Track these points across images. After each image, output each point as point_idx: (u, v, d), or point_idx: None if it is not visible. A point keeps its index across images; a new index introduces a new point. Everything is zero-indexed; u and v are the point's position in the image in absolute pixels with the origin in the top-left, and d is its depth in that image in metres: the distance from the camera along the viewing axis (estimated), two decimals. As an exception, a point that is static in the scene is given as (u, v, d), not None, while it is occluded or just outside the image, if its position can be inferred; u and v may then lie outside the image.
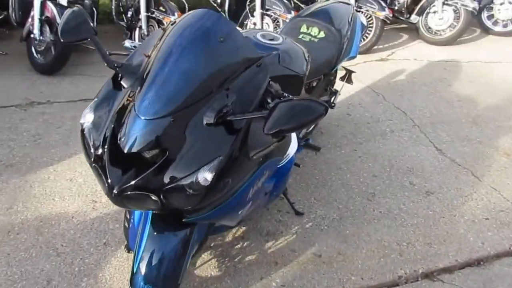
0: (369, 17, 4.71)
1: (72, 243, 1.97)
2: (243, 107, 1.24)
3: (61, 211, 2.17)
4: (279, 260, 1.97)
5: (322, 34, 2.35)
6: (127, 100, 1.22)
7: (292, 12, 4.33)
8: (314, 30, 2.36)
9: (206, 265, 1.92)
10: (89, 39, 1.33)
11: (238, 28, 4.71)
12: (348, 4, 2.71)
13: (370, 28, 4.72)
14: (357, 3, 4.65)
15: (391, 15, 4.63)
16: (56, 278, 1.78)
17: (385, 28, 4.79)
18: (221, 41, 1.24)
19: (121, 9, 4.83)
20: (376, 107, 3.53)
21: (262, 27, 4.59)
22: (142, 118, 1.13)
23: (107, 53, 1.54)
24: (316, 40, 2.32)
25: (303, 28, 2.38)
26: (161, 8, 4.24)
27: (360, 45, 4.63)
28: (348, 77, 2.76)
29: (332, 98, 2.58)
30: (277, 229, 2.17)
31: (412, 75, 4.25)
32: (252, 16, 4.61)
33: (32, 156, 2.62)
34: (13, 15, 4.32)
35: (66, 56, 3.97)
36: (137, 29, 4.40)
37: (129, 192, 1.14)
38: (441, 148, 2.93)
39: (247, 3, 4.64)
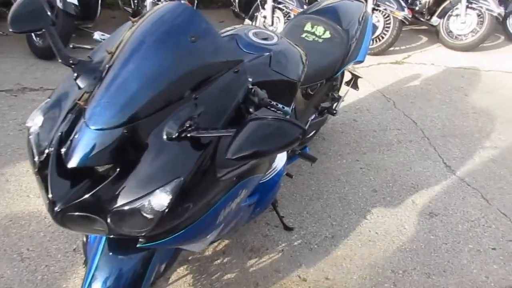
0: (387, 16, 4.47)
1: (40, 247, 1.83)
2: (213, 120, 1.07)
3: (33, 210, 2.03)
4: (261, 282, 1.81)
5: (327, 34, 2.15)
6: (78, 104, 1.05)
7: (305, 7, 4.11)
8: (319, 30, 2.16)
9: (180, 281, 1.77)
10: (43, 30, 1.16)
11: (248, 21, 4.49)
12: (361, 2, 2.49)
13: (387, 28, 4.48)
14: (375, 1, 4.41)
15: (410, 15, 4.38)
16: (15, 286, 1.65)
17: (403, 29, 4.53)
18: (192, 40, 1.07)
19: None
20: (385, 114, 3.32)
21: (272, 21, 4.39)
22: (91, 127, 0.97)
23: (72, 46, 1.38)
24: (320, 40, 2.12)
25: (307, 27, 2.18)
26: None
27: (375, 46, 4.45)
28: (353, 82, 2.56)
29: (335, 105, 2.38)
30: (263, 245, 2.00)
31: (427, 81, 4.01)
32: (263, 8, 4.40)
33: (14, 147, 2.49)
34: None
35: (64, 41, 3.83)
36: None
37: (72, 213, 0.98)
38: (450, 164, 2.71)
39: (259, -5, 4.43)
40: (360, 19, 2.31)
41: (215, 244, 1.96)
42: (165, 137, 1.02)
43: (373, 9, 4.44)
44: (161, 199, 0.98)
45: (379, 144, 2.89)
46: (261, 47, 1.51)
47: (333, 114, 2.37)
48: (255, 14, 4.56)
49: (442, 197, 2.41)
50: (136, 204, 0.99)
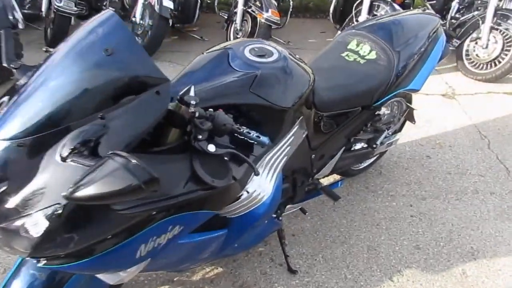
0: (509, 37, 3.71)
1: None
2: (118, 144, 0.94)
3: None
4: (234, 325, 1.61)
5: (372, 55, 1.82)
6: None
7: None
8: (365, 49, 1.85)
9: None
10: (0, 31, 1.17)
11: (339, 32, 4.21)
12: (435, 17, 2.07)
13: (506, 52, 3.73)
14: (495, 19, 3.71)
15: (540, 38, 3.57)
16: None
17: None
18: (107, 53, 0.95)
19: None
20: (471, 155, 2.73)
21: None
22: None
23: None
24: (362, 61, 1.81)
25: (352, 44, 1.88)
26: (257, 2, 4.02)
27: (488, 71, 3.76)
28: (407, 114, 2.14)
29: (378, 139, 2.01)
30: (256, 283, 1.79)
31: (546, 120, 3.21)
32: (357, 20, 4.06)
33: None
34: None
35: (157, 41, 4.07)
36: (233, 22, 4.28)
37: None
38: (538, 234, 2.09)
39: (354, 6, 4.10)
40: (427, 39, 1.91)
41: (207, 269, 1.82)
42: (58, 157, 0.92)
43: (492, 27, 3.74)
44: (37, 223, 0.90)
45: (448, 190, 2.39)
46: (249, 65, 1.32)
47: (373, 149, 2.00)
48: (349, 24, 4.24)
49: (508, 274, 1.86)
50: (16, 224, 0.92)
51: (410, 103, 2.28)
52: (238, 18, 4.16)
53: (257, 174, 1.21)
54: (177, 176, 1.09)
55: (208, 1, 5.18)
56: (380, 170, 2.55)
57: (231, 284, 1.78)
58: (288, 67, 1.39)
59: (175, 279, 1.78)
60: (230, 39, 4.31)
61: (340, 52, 1.86)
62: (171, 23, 4.44)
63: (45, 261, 1.03)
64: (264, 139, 1.24)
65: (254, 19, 4.07)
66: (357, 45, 1.88)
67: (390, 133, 2.14)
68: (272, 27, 4.08)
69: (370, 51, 1.84)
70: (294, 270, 1.84)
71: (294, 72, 1.40)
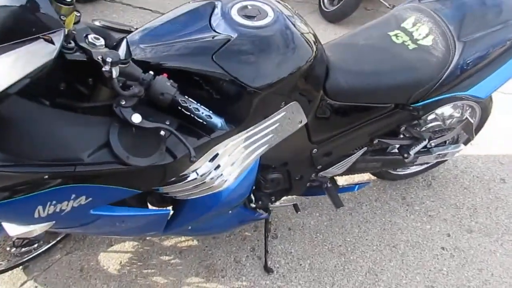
0: None
1: None
2: None
3: None
4: (180, 306, 1.49)
5: (428, 41, 1.39)
6: None
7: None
8: (421, 30, 1.41)
9: (115, 252, 1.63)
10: None
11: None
12: None
13: None
14: None
15: None
16: None
17: None
18: None
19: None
20: None
21: None
22: None
23: None
24: (411, 46, 1.39)
25: (408, 22, 1.45)
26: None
27: None
28: (465, 126, 1.65)
29: (413, 148, 1.59)
30: (224, 269, 1.63)
31: None
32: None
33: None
34: None
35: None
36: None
37: None
38: None
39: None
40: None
41: (181, 238, 1.70)
42: None
43: None
44: None
45: (508, 230, 1.87)
46: (229, 27, 1.06)
47: (403, 158, 1.59)
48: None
49: None
50: None
51: (487, 110, 1.78)
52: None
53: (192, 159, 1.00)
54: (84, 140, 0.93)
55: None
56: (431, 181, 2.10)
57: (199, 261, 1.64)
58: (278, 36, 1.09)
59: (147, 238, 1.70)
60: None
61: (390, 29, 1.45)
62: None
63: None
64: (217, 120, 1.01)
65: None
66: (414, 24, 1.44)
67: (433, 143, 1.68)
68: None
69: (427, 34, 1.40)
70: (270, 269, 1.62)
71: (285, 44, 1.09)
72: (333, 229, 1.82)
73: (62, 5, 0.87)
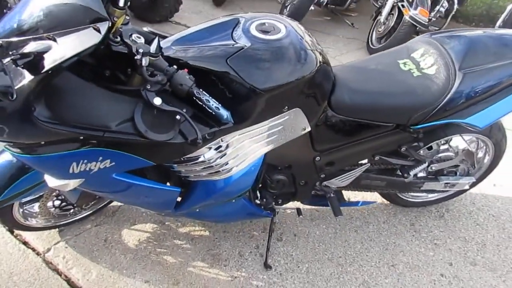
0: None
1: None
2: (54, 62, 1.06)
3: None
4: (182, 283, 1.66)
5: (432, 70, 1.52)
6: None
7: None
8: (428, 61, 1.55)
9: (133, 231, 1.85)
10: None
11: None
12: None
13: None
14: None
15: None
16: None
17: None
18: None
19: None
20: None
21: None
22: None
23: None
24: (416, 74, 1.52)
25: (417, 53, 1.59)
26: (410, -2, 3.64)
27: None
28: (466, 155, 1.70)
29: (413, 169, 1.68)
30: (227, 259, 1.79)
31: None
32: None
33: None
34: None
35: (298, 13, 4.02)
36: (379, 14, 3.99)
37: None
38: None
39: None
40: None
41: (196, 227, 1.90)
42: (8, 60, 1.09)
43: None
44: None
45: (515, 269, 1.86)
46: (244, 38, 1.28)
47: (404, 177, 1.69)
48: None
49: None
50: None
51: (500, 146, 1.83)
52: (385, 10, 3.86)
53: (198, 141, 1.20)
54: (115, 114, 1.17)
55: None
56: (444, 213, 2.14)
57: (207, 249, 1.82)
58: (285, 49, 1.28)
59: (166, 223, 1.91)
60: (372, 32, 4.05)
61: (400, 57, 1.60)
62: (325, 3, 4.41)
63: (11, 148, 1.25)
64: (224, 112, 1.22)
65: (400, 14, 3.72)
66: (422, 54, 1.58)
67: (434, 168, 1.76)
68: (418, 28, 3.65)
69: (432, 64, 1.53)
70: (269, 266, 1.76)
71: (290, 56, 1.29)
72: (336, 242, 1.92)
73: (116, 9, 1.14)
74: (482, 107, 1.49)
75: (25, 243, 1.77)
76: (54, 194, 1.65)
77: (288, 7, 4.11)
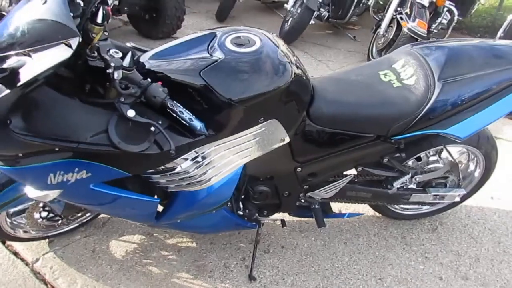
0: None
1: None
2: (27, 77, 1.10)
3: None
4: (165, 295, 1.67)
5: (411, 80, 1.52)
6: None
7: None
8: (408, 71, 1.55)
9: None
10: None
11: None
12: None
13: None
14: None
15: None
16: None
17: None
18: (42, 3, 1.11)
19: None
20: None
21: None
22: None
23: None
24: (395, 85, 1.52)
25: (398, 64, 1.60)
26: (407, 11, 3.65)
27: None
28: (451, 166, 1.68)
29: (396, 181, 1.67)
30: (212, 270, 1.79)
31: None
32: None
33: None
34: None
35: (298, 32, 4.10)
36: (379, 27, 4.00)
37: None
38: None
39: None
40: (498, 83, 1.47)
41: (183, 239, 1.90)
42: None
43: None
44: None
45: (507, 286, 1.81)
46: (218, 51, 1.31)
47: (387, 189, 1.67)
48: None
49: None
50: None
51: (490, 158, 1.80)
52: (384, 23, 3.87)
53: (171, 152, 1.23)
54: (89, 125, 1.20)
55: (381, 2, 4.89)
56: (437, 226, 2.10)
57: (192, 261, 1.82)
58: (258, 61, 1.30)
59: (154, 234, 1.93)
60: (372, 44, 4.06)
61: (381, 68, 1.60)
62: (326, 17, 4.43)
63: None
64: (198, 123, 1.24)
65: (399, 27, 3.72)
66: (403, 65, 1.58)
67: (418, 179, 1.73)
68: (418, 40, 3.64)
69: (412, 75, 1.53)
70: (254, 278, 1.75)
71: (262, 68, 1.30)
72: (324, 254, 1.90)
73: (94, 26, 1.18)
74: (463, 117, 1.48)
75: (15, 254, 1.80)
76: (41, 205, 1.68)
77: (289, 21, 4.15)
